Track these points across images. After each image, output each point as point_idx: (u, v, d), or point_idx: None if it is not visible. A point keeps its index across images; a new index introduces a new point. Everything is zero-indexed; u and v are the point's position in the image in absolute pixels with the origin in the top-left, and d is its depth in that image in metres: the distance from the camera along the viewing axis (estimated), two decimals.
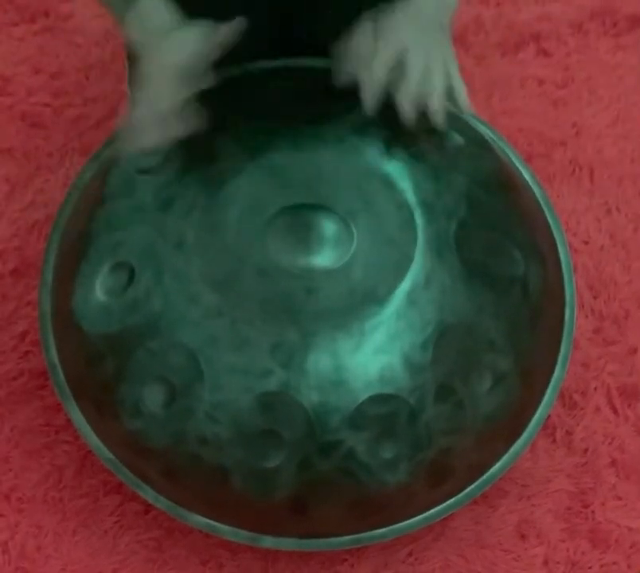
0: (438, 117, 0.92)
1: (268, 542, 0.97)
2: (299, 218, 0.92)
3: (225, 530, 0.97)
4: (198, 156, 0.93)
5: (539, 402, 1.01)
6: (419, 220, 0.92)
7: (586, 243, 1.25)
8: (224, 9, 1.03)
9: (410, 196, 0.93)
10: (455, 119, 1.01)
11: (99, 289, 0.94)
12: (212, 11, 0.97)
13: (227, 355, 0.89)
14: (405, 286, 0.90)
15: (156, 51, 0.91)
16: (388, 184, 0.93)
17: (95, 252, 0.95)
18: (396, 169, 0.94)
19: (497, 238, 0.96)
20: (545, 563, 1.06)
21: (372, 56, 0.91)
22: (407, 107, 0.91)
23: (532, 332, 0.97)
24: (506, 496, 1.09)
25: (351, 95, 0.98)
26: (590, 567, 1.06)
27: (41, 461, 1.11)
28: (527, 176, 1.05)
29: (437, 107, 0.92)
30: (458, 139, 0.98)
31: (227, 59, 1.02)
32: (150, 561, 1.06)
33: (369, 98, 0.92)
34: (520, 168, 1.06)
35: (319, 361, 0.89)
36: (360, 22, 0.94)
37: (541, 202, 1.05)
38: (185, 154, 0.95)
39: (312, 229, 0.92)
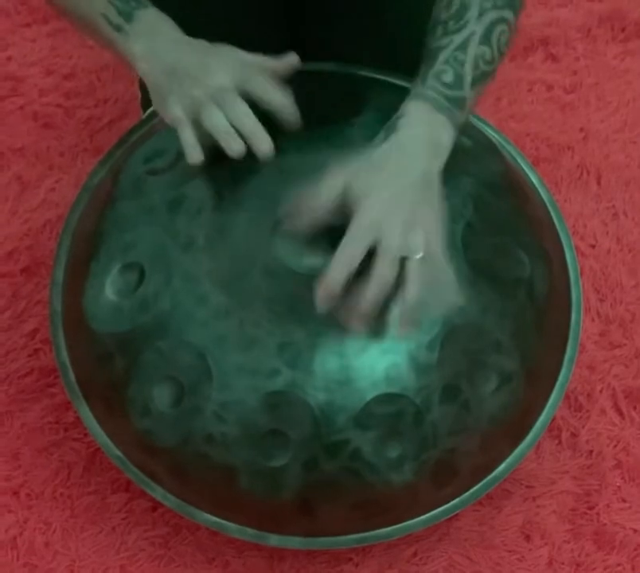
0: (393, 327, 0.83)
1: (274, 540, 0.97)
2: None
3: (232, 528, 0.97)
4: (208, 157, 0.94)
5: (544, 403, 1.01)
6: None
7: (592, 246, 1.25)
8: (230, 14, 1.04)
9: None
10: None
11: (109, 289, 0.94)
12: (218, 15, 0.97)
13: (235, 355, 0.89)
14: None
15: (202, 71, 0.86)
16: None
17: (106, 252, 0.95)
18: None
19: (503, 240, 0.96)
20: (550, 563, 1.06)
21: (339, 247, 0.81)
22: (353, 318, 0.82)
23: (539, 334, 0.97)
24: (511, 497, 1.09)
25: (359, 97, 0.98)
26: (594, 569, 1.06)
27: (50, 458, 1.11)
28: (534, 179, 1.05)
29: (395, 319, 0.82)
30: (465, 142, 0.99)
31: None
32: (157, 558, 1.06)
33: (322, 300, 0.82)
34: (528, 171, 1.06)
35: (326, 361, 0.89)
36: (326, 174, 0.83)
37: (548, 205, 1.05)
38: None
39: (320, 230, 0.92)
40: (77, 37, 1.41)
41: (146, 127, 1.04)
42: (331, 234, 0.91)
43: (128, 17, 0.89)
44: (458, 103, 0.88)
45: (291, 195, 0.86)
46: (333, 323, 0.89)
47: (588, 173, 1.30)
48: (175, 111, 0.87)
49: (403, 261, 0.82)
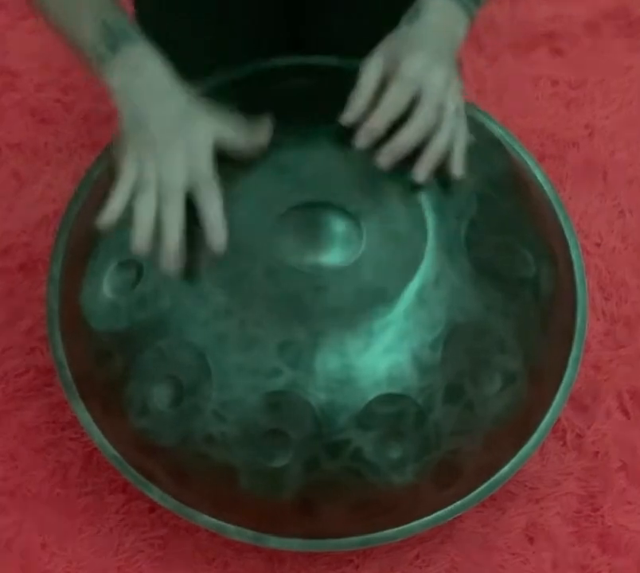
0: (457, 169, 0.90)
1: (274, 542, 0.97)
2: (309, 216, 0.92)
3: (231, 530, 0.97)
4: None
5: (549, 404, 1.01)
6: (429, 219, 0.92)
7: (598, 245, 1.25)
8: (229, 14, 1.03)
9: (420, 195, 0.93)
10: (468, 119, 1.01)
11: (106, 286, 0.94)
12: (218, 15, 0.96)
13: (235, 354, 0.89)
14: (415, 285, 0.90)
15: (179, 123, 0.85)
16: (398, 183, 0.93)
17: (104, 249, 0.95)
18: (406, 168, 0.93)
19: (508, 238, 0.96)
20: (554, 566, 1.06)
21: (381, 101, 0.87)
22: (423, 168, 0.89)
23: (543, 333, 0.97)
24: (515, 499, 1.09)
25: None
26: (599, 572, 1.06)
27: (47, 458, 1.11)
28: (539, 176, 1.05)
29: (457, 160, 0.90)
30: (470, 139, 0.98)
31: (235, 58, 1.02)
32: (156, 560, 1.06)
33: (362, 139, 0.89)
34: (533, 168, 1.06)
35: (327, 361, 0.88)
36: (371, 54, 0.90)
37: (553, 203, 1.05)
38: None
39: (321, 228, 0.92)
40: None
41: None
42: (338, 235, 0.91)
43: (114, 49, 0.87)
44: None
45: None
46: (335, 322, 0.88)
47: (593, 170, 1.30)
48: (127, 169, 0.86)
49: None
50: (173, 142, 0.85)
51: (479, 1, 0.92)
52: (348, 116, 0.88)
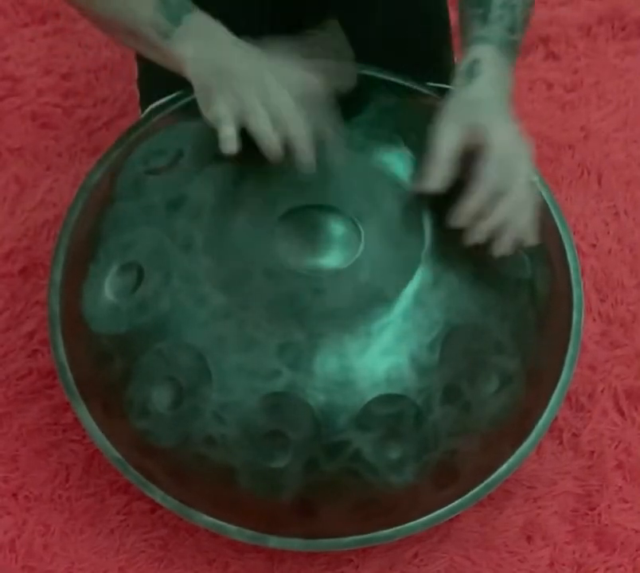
0: (502, 248, 0.88)
1: (274, 542, 0.97)
2: (307, 219, 0.92)
3: (231, 530, 0.97)
4: (207, 157, 0.94)
5: (546, 404, 1.01)
6: (426, 221, 0.92)
7: (593, 246, 1.25)
8: (229, 14, 1.03)
9: (418, 197, 0.93)
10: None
11: (107, 289, 0.94)
12: (216, 16, 0.96)
13: (234, 356, 0.89)
14: (412, 287, 0.90)
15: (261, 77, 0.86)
16: (396, 185, 0.93)
17: (104, 253, 0.95)
18: (404, 171, 0.94)
19: None
20: (551, 565, 1.06)
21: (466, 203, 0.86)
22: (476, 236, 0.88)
23: (540, 334, 0.97)
24: (512, 498, 1.09)
25: (361, 97, 0.98)
26: (596, 570, 1.06)
27: (49, 460, 1.11)
28: (535, 179, 1.05)
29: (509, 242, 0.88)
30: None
31: None
32: (157, 560, 1.06)
33: (462, 219, 0.87)
34: None
35: (326, 362, 0.89)
36: (442, 119, 0.88)
37: (549, 205, 1.05)
38: (194, 156, 0.95)
39: (320, 230, 0.92)
40: (75, 37, 1.41)
41: (144, 127, 1.03)
42: (337, 237, 0.91)
43: (176, 21, 0.89)
44: (516, 46, 0.93)
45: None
46: (333, 324, 0.89)
47: (589, 172, 1.30)
48: (221, 110, 0.87)
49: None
50: (262, 70, 0.87)
51: (518, 50, 0.93)
52: (426, 185, 0.88)
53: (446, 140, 0.88)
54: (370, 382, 0.89)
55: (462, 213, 0.87)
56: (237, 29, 0.91)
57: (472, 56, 0.91)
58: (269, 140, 0.87)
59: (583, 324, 1.04)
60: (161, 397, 0.91)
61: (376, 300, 0.90)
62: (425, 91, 1.04)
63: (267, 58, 0.89)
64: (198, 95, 0.89)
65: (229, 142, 0.87)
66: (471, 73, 0.90)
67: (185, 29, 0.89)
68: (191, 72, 0.89)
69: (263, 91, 0.86)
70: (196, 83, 0.89)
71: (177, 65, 0.90)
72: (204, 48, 0.89)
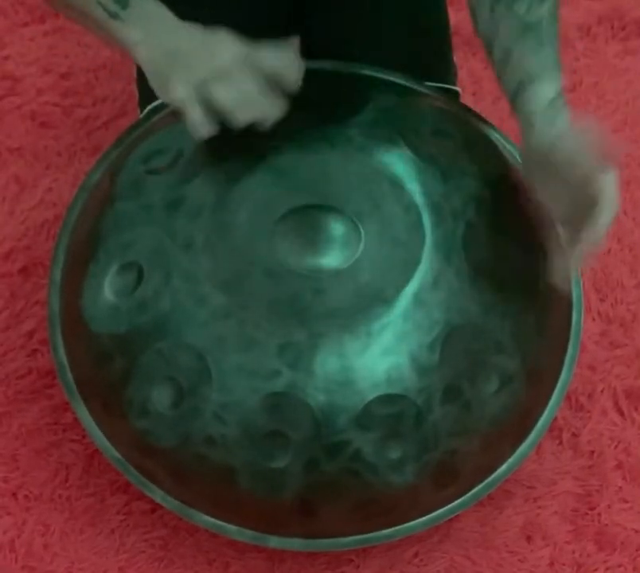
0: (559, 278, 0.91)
1: (274, 542, 0.97)
2: (307, 219, 0.92)
3: (232, 530, 0.97)
4: (207, 157, 0.94)
5: (545, 404, 1.01)
6: (426, 221, 0.92)
7: None
8: (229, 15, 1.03)
9: (418, 197, 0.93)
10: (463, 122, 1.01)
11: (107, 289, 0.94)
12: (216, 18, 0.96)
13: (234, 356, 0.89)
14: (413, 287, 0.90)
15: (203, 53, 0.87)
16: (396, 185, 0.93)
17: (104, 252, 0.95)
18: (404, 171, 0.94)
19: (504, 240, 0.96)
20: (551, 564, 1.06)
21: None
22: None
23: (539, 334, 0.97)
24: (512, 498, 1.09)
25: (359, 97, 0.98)
26: (595, 570, 1.06)
27: (49, 460, 1.11)
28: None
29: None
30: (466, 142, 0.98)
31: None
32: (157, 560, 1.06)
33: (557, 278, 0.91)
34: None
35: (326, 362, 0.89)
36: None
37: None
38: (194, 155, 0.95)
39: (320, 230, 0.92)
40: (75, 36, 1.41)
41: (144, 126, 1.04)
42: (337, 237, 0.91)
43: (123, 3, 0.88)
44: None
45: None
46: (334, 324, 0.89)
47: None
48: (180, 92, 0.86)
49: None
50: (209, 43, 0.87)
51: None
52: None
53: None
54: (370, 382, 0.89)
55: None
56: (237, 29, 0.91)
57: (548, 92, 0.91)
58: (237, 106, 0.86)
59: (583, 324, 1.04)
60: (161, 397, 0.91)
61: (377, 300, 0.90)
62: (425, 91, 1.04)
63: (211, 32, 0.89)
64: (152, 80, 0.89)
65: (200, 126, 0.86)
66: (555, 110, 0.91)
67: (132, 12, 0.88)
68: (142, 57, 0.88)
69: (218, 63, 0.86)
70: (148, 69, 0.89)
71: (127, 48, 0.90)
72: (152, 31, 0.88)
